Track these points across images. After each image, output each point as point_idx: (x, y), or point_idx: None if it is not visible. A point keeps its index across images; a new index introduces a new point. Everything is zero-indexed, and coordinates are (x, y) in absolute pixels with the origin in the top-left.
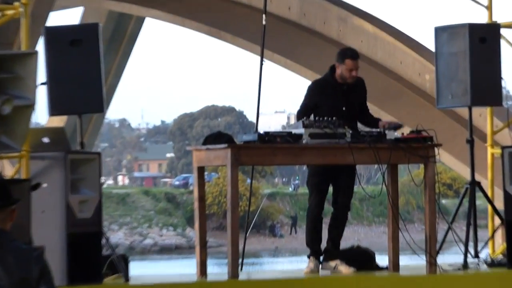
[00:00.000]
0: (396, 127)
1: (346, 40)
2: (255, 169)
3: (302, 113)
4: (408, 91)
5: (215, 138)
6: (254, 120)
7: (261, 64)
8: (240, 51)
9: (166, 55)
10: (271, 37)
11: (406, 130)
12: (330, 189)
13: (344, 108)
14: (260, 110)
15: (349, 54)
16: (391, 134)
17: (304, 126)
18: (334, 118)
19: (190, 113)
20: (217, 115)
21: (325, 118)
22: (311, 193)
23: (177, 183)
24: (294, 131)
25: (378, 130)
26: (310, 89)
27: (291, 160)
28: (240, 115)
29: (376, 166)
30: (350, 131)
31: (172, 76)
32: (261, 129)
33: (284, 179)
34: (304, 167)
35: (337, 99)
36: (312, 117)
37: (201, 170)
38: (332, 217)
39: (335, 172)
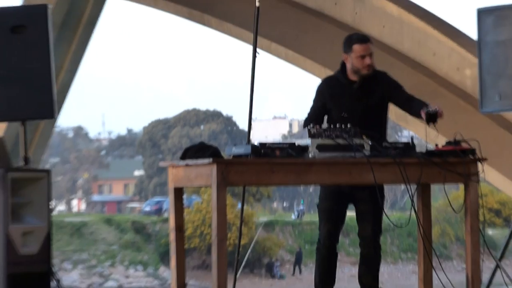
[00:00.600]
0: (434, 113)
1: (363, 25)
2: (247, 190)
3: (310, 119)
4: (443, 91)
5: (197, 151)
6: (246, 128)
7: (254, 57)
8: (228, 40)
9: (134, 45)
10: (267, 22)
11: (441, 141)
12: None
13: (357, 112)
14: (254, 115)
15: (355, 38)
16: (424, 146)
17: (311, 136)
18: (348, 125)
19: (165, 119)
20: (199, 121)
21: (338, 125)
22: (322, 220)
23: (148, 209)
24: (298, 142)
25: (406, 141)
26: (318, 89)
27: (294, 179)
28: (229, 121)
29: (403, 186)
30: (370, 142)
31: (142, 72)
32: (255, 140)
33: (285, 204)
34: (311, 188)
35: (347, 100)
36: (324, 123)
37: (178, 192)
38: (360, 257)
39: (354, 193)
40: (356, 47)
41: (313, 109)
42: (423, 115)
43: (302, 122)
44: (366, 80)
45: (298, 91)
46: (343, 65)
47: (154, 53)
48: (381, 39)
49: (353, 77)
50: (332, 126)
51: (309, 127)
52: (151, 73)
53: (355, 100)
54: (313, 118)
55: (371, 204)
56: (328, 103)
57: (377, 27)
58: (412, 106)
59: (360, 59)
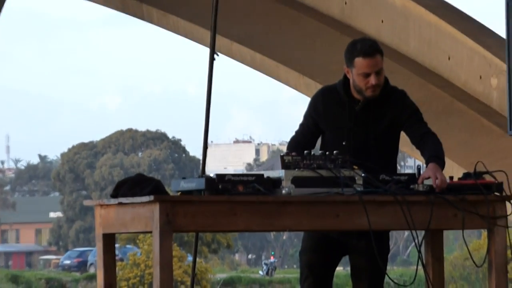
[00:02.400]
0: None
1: (355, 19)
2: (201, 238)
3: (295, 142)
4: (460, 106)
5: (134, 185)
6: (199, 156)
7: (212, 61)
8: (175, 39)
9: (49, 44)
10: (227, 16)
11: (458, 172)
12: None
13: (358, 141)
14: (211, 138)
15: (358, 48)
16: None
17: (284, 166)
18: (335, 152)
19: (91, 143)
20: (137, 146)
21: (321, 153)
22: (304, 276)
23: (68, 262)
24: (267, 173)
25: (411, 173)
26: (312, 101)
27: (263, 224)
28: (176, 146)
29: (406, 233)
30: (363, 174)
31: (59, 82)
32: (211, 171)
33: (250, 256)
34: (285, 235)
35: (347, 124)
36: (320, 149)
37: (109, 240)
38: None
39: (347, 242)
40: (359, 62)
41: (301, 127)
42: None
43: (277, 147)
44: (374, 100)
45: (268, 107)
46: (346, 77)
47: (77, 57)
48: (379, 38)
49: (357, 95)
50: (312, 153)
51: (282, 154)
52: (71, 84)
53: (356, 125)
54: (300, 140)
55: (368, 257)
56: (322, 123)
57: (373, 22)
58: (423, 149)
59: (362, 78)
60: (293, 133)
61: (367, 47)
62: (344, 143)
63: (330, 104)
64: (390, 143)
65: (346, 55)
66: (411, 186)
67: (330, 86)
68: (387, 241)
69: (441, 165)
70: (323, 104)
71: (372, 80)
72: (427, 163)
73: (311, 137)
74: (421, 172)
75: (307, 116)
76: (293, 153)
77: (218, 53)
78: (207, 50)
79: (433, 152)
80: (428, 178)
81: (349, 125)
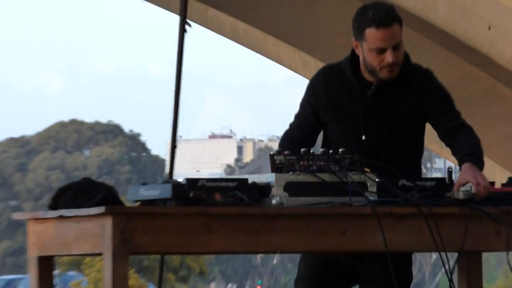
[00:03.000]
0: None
1: None
2: (166, 263)
3: (289, 136)
4: (505, 91)
5: (78, 193)
6: (164, 154)
7: (182, 32)
8: (134, 4)
9: None
10: None
11: (501, 176)
12: None
13: (371, 136)
14: (180, 133)
15: (370, 16)
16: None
17: (275, 168)
18: (340, 150)
19: (22, 139)
20: (83, 142)
21: (324, 150)
22: None
23: None
24: (253, 177)
25: (439, 177)
26: (310, 84)
27: (246, 244)
28: (134, 142)
29: (434, 256)
30: (377, 179)
31: None
32: (180, 174)
33: (230, 286)
34: (275, 259)
35: (356, 114)
36: (322, 145)
37: (45, 265)
38: None
39: (357, 267)
40: (371, 34)
41: (298, 119)
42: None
43: (265, 144)
44: (390, 83)
45: (254, 92)
46: (354, 53)
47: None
48: (398, 2)
49: (368, 76)
50: (312, 151)
51: (272, 153)
52: None
53: (368, 115)
54: (296, 135)
55: (385, 287)
56: (324, 114)
57: None
58: (456, 146)
59: (376, 54)
60: (287, 127)
61: (381, 14)
62: (353, 138)
63: (334, 88)
64: (412, 138)
65: (354, 24)
66: (448, 194)
67: (334, 64)
68: (409, 266)
69: (480, 166)
70: (325, 89)
71: (389, 57)
72: (461, 164)
73: (311, 132)
74: (453, 176)
75: (305, 104)
76: (287, 152)
77: (190, 23)
78: (175, 18)
79: (469, 150)
80: (466, 183)
81: (359, 115)
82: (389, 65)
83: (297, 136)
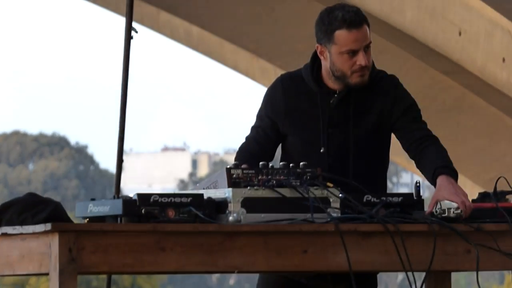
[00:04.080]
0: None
1: None
2: (116, 283)
3: (244, 151)
4: (476, 101)
5: (23, 209)
6: (114, 168)
7: (128, 38)
8: (81, 5)
9: None
10: None
11: (472, 191)
12: None
13: (334, 147)
14: (129, 145)
15: (340, 17)
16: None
17: (232, 183)
18: (301, 164)
19: None
20: (27, 155)
21: (284, 164)
22: None
23: None
24: (208, 193)
25: (406, 192)
26: (268, 94)
27: (202, 263)
28: (81, 155)
29: (400, 276)
30: (340, 194)
31: None
32: (130, 190)
33: None
34: (232, 280)
35: (318, 125)
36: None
37: None
38: None
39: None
40: (342, 36)
41: (255, 131)
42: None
43: (221, 157)
44: (355, 91)
45: (209, 102)
46: (315, 59)
47: None
48: (363, 5)
49: (331, 83)
50: (271, 166)
51: (228, 167)
52: None
53: (332, 126)
54: (254, 148)
55: None
56: (283, 125)
57: None
58: (421, 159)
59: (347, 58)
60: (244, 140)
61: (352, 14)
62: (315, 150)
63: (294, 98)
64: (378, 150)
65: (320, 27)
66: (435, 212)
67: (293, 73)
68: (373, 286)
69: (456, 178)
70: (284, 99)
71: (361, 59)
72: (434, 176)
73: (269, 145)
74: (420, 191)
75: (262, 116)
76: (244, 166)
77: (138, 27)
78: (121, 23)
79: (443, 161)
80: (446, 201)
81: (321, 125)
82: (361, 69)
83: (254, 150)
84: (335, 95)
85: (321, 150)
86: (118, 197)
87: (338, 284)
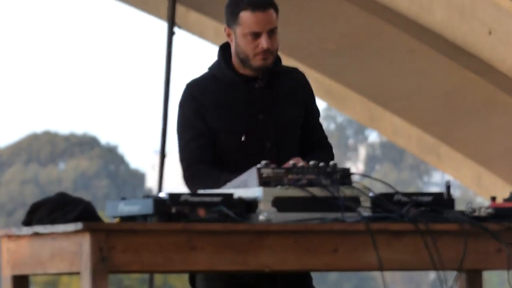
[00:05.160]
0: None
1: None
2: (147, 282)
3: (199, 160)
4: (506, 99)
5: (54, 209)
6: (144, 168)
7: (170, 35)
8: (113, 7)
9: None
10: None
11: (503, 191)
12: None
13: (267, 132)
14: (170, 146)
15: (246, 0)
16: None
17: (262, 182)
18: (331, 163)
19: None
20: (57, 154)
21: (314, 163)
22: None
23: None
24: (239, 192)
25: (437, 192)
26: (187, 102)
27: (233, 262)
28: (112, 155)
29: (432, 275)
30: (371, 193)
31: None
32: (163, 189)
33: None
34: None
35: (246, 111)
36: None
37: (20, 284)
38: None
39: (257, 286)
40: (246, 17)
41: (195, 140)
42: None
43: (183, 173)
44: (274, 75)
45: None
46: (224, 51)
47: None
48: (393, 5)
49: (243, 70)
50: (301, 165)
51: (258, 166)
52: None
53: (260, 112)
54: (206, 157)
55: None
56: (213, 122)
57: None
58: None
59: (250, 40)
60: (183, 155)
61: None
62: (253, 141)
63: (214, 94)
64: (297, 137)
65: (227, 10)
66: (467, 211)
67: (197, 79)
68: (311, 282)
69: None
70: (205, 97)
71: (263, 42)
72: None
73: (213, 149)
74: (451, 189)
75: (195, 121)
76: (273, 165)
77: (178, 27)
78: (158, 23)
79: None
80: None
81: (249, 111)
82: (264, 52)
83: (209, 159)
84: (258, 80)
85: (265, 141)
86: (149, 196)
87: (287, 286)
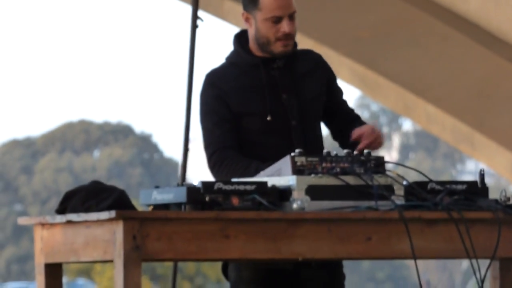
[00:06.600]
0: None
1: None
2: (181, 270)
3: (223, 147)
4: None
5: (87, 197)
6: (178, 156)
7: (194, 27)
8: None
9: None
10: None
11: None
12: None
13: (291, 111)
14: (194, 135)
15: None
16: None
17: (295, 170)
18: (365, 151)
19: (27, 140)
20: (92, 143)
21: (347, 152)
22: None
23: None
24: (272, 180)
25: (471, 180)
26: (208, 91)
27: (266, 250)
28: (146, 143)
29: (465, 263)
30: (405, 182)
31: None
32: (195, 178)
33: None
34: None
35: (268, 93)
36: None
37: (53, 272)
38: None
39: (303, 273)
40: (267, 1)
41: (218, 127)
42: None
43: (208, 160)
44: (292, 55)
45: None
46: (242, 35)
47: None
48: None
49: (261, 53)
50: (334, 153)
51: (292, 154)
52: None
53: (283, 92)
54: (230, 139)
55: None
56: (235, 106)
57: None
58: (351, 126)
59: (271, 25)
60: (210, 144)
61: None
62: (279, 121)
63: (235, 80)
64: (320, 116)
65: None
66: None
67: (215, 69)
68: (341, 270)
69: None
70: (226, 84)
71: (285, 26)
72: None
73: (237, 134)
74: (485, 179)
75: (217, 107)
76: (305, 153)
77: (202, 18)
78: (185, 12)
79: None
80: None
81: (272, 92)
82: (285, 36)
83: (233, 144)
84: (277, 60)
85: (290, 120)
86: (183, 185)
87: (320, 270)
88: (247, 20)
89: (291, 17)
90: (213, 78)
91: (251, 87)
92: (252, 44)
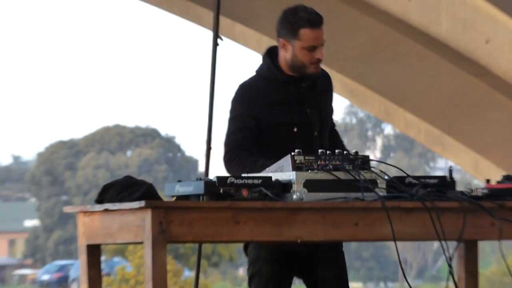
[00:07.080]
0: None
1: None
2: (200, 251)
3: (241, 148)
4: (500, 98)
5: (121, 190)
6: (197, 155)
7: (215, 45)
8: (169, 19)
9: (17, 30)
10: None
11: (496, 175)
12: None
13: (314, 125)
14: (217, 136)
15: (304, 18)
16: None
17: (295, 167)
18: (353, 151)
19: (71, 141)
20: (125, 144)
21: (339, 151)
22: None
23: (46, 277)
24: (276, 175)
25: (441, 175)
26: (241, 99)
27: (271, 233)
28: (170, 144)
29: (436, 245)
30: (386, 177)
31: (32, 71)
32: (212, 173)
33: None
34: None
35: (296, 108)
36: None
37: (93, 252)
38: None
39: (314, 254)
40: (306, 34)
41: (241, 130)
42: None
43: (224, 156)
44: (315, 77)
45: None
46: (272, 52)
47: (47, 41)
48: (406, 18)
49: (290, 72)
50: (328, 152)
51: (292, 154)
52: (46, 73)
53: (307, 107)
54: (248, 146)
55: (335, 266)
56: (266, 117)
57: (400, 0)
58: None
59: (307, 52)
60: (230, 141)
61: (314, 16)
62: (303, 132)
63: (270, 93)
64: (329, 127)
65: (285, 25)
66: (466, 190)
67: (248, 81)
68: (342, 248)
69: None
70: (261, 97)
71: (319, 54)
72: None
73: (255, 142)
74: (453, 174)
75: (245, 116)
76: (303, 152)
77: (222, 37)
78: (207, 32)
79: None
80: None
81: (299, 108)
82: (318, 61)
83: (249, 148)
84: (305, 80)
85: (313, 131)
86: (201, 179)
87: (329, 252)
88: (283, 46)
89: (322, 45)
90: (248, 91)
91: (282, 102)
92: (283, 64)
